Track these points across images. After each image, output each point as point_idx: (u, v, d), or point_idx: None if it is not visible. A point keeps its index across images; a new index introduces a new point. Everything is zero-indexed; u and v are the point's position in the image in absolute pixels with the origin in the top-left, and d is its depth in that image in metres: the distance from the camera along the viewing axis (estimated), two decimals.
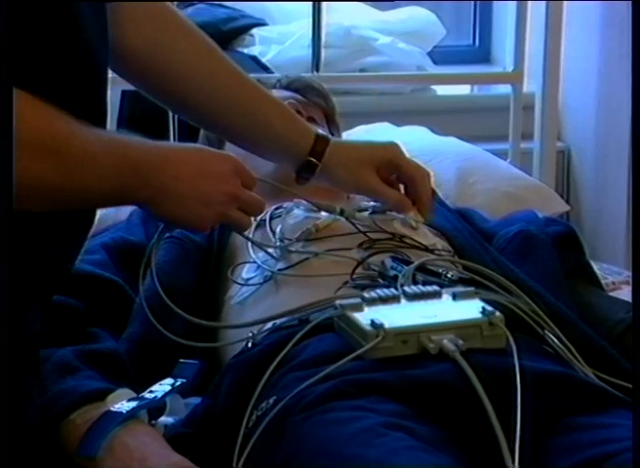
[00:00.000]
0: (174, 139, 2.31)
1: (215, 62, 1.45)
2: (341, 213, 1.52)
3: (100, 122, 1.10)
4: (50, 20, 1.00)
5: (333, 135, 1.89)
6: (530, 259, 1.55)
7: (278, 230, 1.52)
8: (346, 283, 1.38)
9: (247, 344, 1.32)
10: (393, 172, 1.55)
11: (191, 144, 1.29)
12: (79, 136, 1.03)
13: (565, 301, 1.46)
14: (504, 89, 2.77)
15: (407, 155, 1.56)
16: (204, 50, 1.44)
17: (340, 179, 1.53)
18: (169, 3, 1.45)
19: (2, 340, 0.93)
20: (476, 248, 1.57)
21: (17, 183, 0.95)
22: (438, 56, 3.00)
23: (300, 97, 1.84)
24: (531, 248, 1.58)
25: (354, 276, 1.39)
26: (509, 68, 2.75)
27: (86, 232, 1.14)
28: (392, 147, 1.55)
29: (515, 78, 2.70)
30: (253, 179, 1.30)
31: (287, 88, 1.89)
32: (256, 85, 1.50)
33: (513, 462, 1.02)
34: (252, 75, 1.93)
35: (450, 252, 1.57)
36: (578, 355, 1.29)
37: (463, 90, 3.11)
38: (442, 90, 3.02)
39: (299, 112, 1.77)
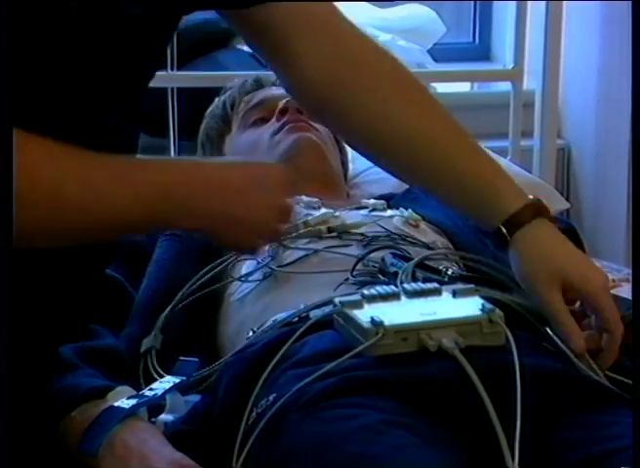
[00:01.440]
0: (173, 139, 2.30)
1: (409, 105, 1.30)
2: (330, 230, 1.51)
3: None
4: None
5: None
6: None
7: None
8: (347, 280, 1.38)
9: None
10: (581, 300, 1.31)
11: (229, 159, 1.21)
12: (77, 168, 0.98)
13: None
14: (504, 86, 2.77)
15: (607, 292, 1.31)
16: (395, 88, 1.31)
17: (519, 272, 1.30)
18: (363, 39, 1.36)
19: (2, 340, 0.93)
20: (476, 245, 1.57)
21: (24, 235, 0.93)
22: (438, 53, 3.00)
23: None
24: None
25: (354, 273, 1.39)
26: (509, 66, 2.75)
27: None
28: (595, 278, 1.29)
29: (515, 75, 2.69)
30: (294, 188, 1.21)
31: None
32: (463, 132, 1.36)
33: (513, 459, 1.02)
34: (251, 73, 1.94)
35: (450, 249, 1.57)
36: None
37: (463, 87, 3.10)
38: (442, 87, 3.01)
39: (298, 110, 1.77)
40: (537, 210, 1.30)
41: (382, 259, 1.40)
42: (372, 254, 1.43)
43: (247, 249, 1.20)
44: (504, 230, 1.28)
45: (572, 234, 1.65)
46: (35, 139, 0.95)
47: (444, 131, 1.32)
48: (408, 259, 1.39)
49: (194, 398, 1.30)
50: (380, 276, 1.37)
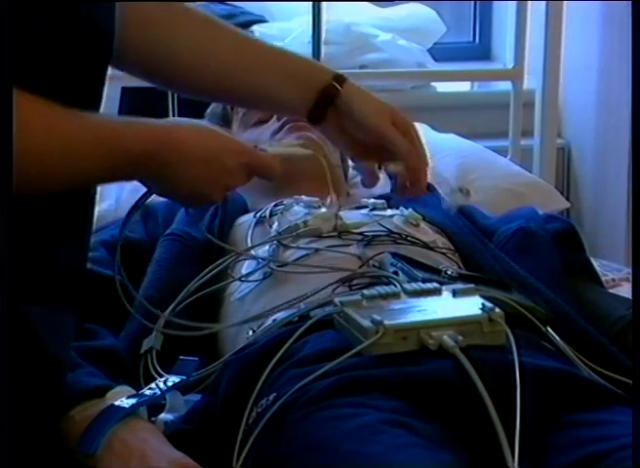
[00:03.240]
0: None
1: (212, 31, 1.39)
2: (334, 229, 1.51)
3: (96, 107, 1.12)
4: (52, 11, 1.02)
5: None
6: (530, 256, 1.55)
7: (275, 227, 1.52)
8: (346, 282, 1.37)
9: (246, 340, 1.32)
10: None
11: (202, 125, 1.25)
12: (62, 128, 1.04)
13: (565, 298, 1.46)
14: (505, 86, 2.77)
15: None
16: (200, 20, 1.39)
17: (359, 117, 1.39)
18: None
19: (2, 337, 0.93)
20: (476, 244, 1.57)
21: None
22: (438, 52, 3.00)
23: None
24: (531, 245, 1.58)
25: (351, 273, 1.39)
26: (509, 65, 2.75)
27: (84, 226, 1.16)
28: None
29: (515, 75, 2.70)
30: (267, 171, 1.27)
31: None
32: (260, 44, 1.44)
33: (513, 459, 1.02)
34: None
35: (450, 249, 1.57)
36: (576, 352, 1.29)
37: (464, 87, 3.11)
38: (442, 87, 3.02)
39: None
40: (342, 75, 1.39)
41: (382, 259, 1.40)
42: (371, 253, 1.43)
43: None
44: (335, 84, 1.37)
45: (572, 233, 1.65)
46: (34, 100, 1.01)
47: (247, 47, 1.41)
48: (407, 259, 1.39)
49: (194, 397, 1.29)
50: (383, 277, 1.37)
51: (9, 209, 0.97)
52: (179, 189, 1.20)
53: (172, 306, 1.44)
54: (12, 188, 0.97)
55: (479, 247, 1.56)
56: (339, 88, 1.38)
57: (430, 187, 1.81)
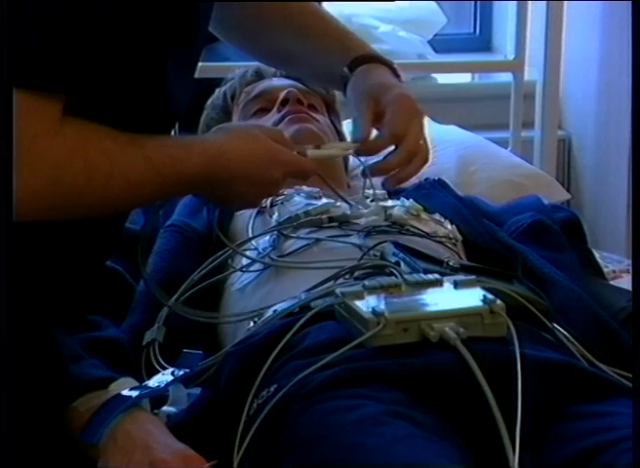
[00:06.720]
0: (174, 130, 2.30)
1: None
2: (330, 220, 1.51)
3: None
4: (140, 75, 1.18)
5: (333, 123, 1.89)
6: (546, 250, 1.54)
7: (275, 217, 1.52)
8: (347, 273, 1.37)
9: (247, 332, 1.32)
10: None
11: (249, 131, 1.33)
12: (123, 163, 1.17)
13: (587, 291, 1.45)
14: (505, 77, 2.77)
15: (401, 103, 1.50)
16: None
17: (350, 97, 1.54)
18: None
19: (2, 337, 0.94)
20: (484, 234, 1.57)
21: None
22: (439, 44, 3.00)
23: (300, 85, 1.84)
24: (546, 238, 1.56)
25: (355, 263, 1.39)
26: (510, 56, 2.75)
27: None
28: (396, 92, 1.50)
29: (516, 66, 2.69)
30: (306, 175, 1.39)
31: (287, 76, 1.89)
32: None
33: (514, 451, 1.02)
34: (252, 63, 1.94)
35: (451, 238, 1.56)
36: (577, 343, 1.28)
37: (464, 78, 3.10)
38: (443, 78, 3.02)
39: (299, 101, 1.77)
40: (373, 58, 1.54)
41: (384, 249, 1.40)
42: (372, 243, 1.43)
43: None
44: (346, 69, 1.52)
45: (575, 223, 1.65)
46: (100, 137, 1.15)
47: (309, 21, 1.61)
48: (409, 249, 1.39)
49: (196, 390, 1.29)
50: (385, 265, 1.36)
51: (8, 205, 0.98)
52: (228, 201, 1.33)
53: (175, 297, 1.44)
54: (11, 184, 1.00)
55: (487, 238, 1.56)
56: (348, 75, 1.51)
57: (441, 182, 1.79)
